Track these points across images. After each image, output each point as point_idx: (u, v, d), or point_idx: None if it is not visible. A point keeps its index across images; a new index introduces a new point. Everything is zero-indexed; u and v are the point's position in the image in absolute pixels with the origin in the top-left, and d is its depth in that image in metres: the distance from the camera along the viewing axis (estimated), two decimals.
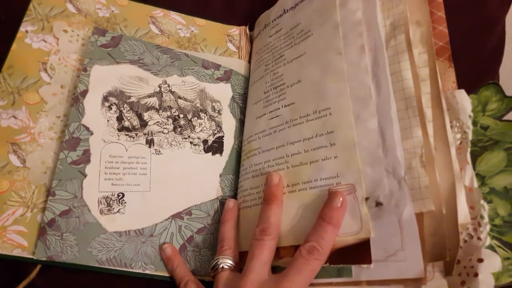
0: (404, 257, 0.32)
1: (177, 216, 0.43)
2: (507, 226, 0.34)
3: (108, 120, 0.43)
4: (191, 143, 0.46)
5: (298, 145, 0.39)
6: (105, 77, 0.44)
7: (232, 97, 0.50)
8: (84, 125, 0.41)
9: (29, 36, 0.44)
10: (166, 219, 0.42)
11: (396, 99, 0.35)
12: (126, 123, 0.43)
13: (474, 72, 0.51)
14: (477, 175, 0.36)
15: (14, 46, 0.43)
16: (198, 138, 0.46)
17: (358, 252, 0.32)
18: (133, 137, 0.43)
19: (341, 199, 0.33)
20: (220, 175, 0.46)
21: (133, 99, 0.44)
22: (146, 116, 0.44)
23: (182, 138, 0.45)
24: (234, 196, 0.45)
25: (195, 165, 0.45)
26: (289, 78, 0.43)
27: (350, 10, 0.40)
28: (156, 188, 0.43)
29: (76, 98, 0.42)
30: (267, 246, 0.36)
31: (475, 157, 0.36)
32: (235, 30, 0.54)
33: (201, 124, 0.47)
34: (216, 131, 0.47)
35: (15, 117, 0.41)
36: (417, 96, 0.35)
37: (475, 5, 0.53)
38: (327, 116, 0.38)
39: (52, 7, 0.46)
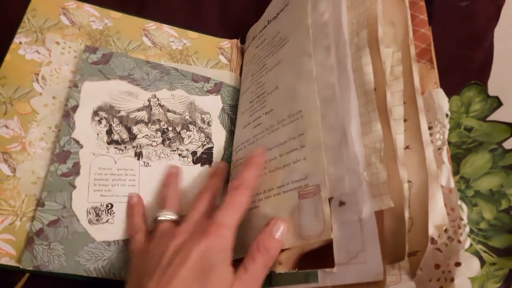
0: (365, 258, 0.30)
1: None
2: (493, 230, 0.32)
3: (98, 134, 0.44)
4: (179, 155, 0.46)
5: (274, 151, 0.39)
6: (95, 93, 0.45)
7: (222, 108, 0.50)
8: (74, 139, 0.42)
9: (22, 47, 0.45)
10: None
11: (358, 95, 0.34)
12: (116, 137, 0.44)
13: (463, 85, 0.52)
14: (462, 178, 0.35)
15: (7, 57, 0.44)
16: (187, 150, 0.47)
17: (323, 255, 0.31)
18: (122, 150, 0.44)
19: (259, 149, 0.40)
20: None
21: (122, 113, 0.45)
22: (135, 129, 0.45)
23: (171, 151, 0.46)
24: None
25: (183, 176, 0.45)
26: (269, 85, 0.43)
27: (319, 13, 0.40)
28: (145, 199, 0.43)
29: (67, 113, 0.43)
30: (206, 197, 0.40)
31: (459, 159, 0.35)
32: (227, 43, 0.54)
33: (190, 136, 0.47)
34: (205, 143, 0.47)
35: (6, 127, 0.41)
36: (381, 92, 0.33)
37: (464, 20, 0.53)
38: (299, 119, 0.38)
39: (46, 19, 0.47)
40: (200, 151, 0.47)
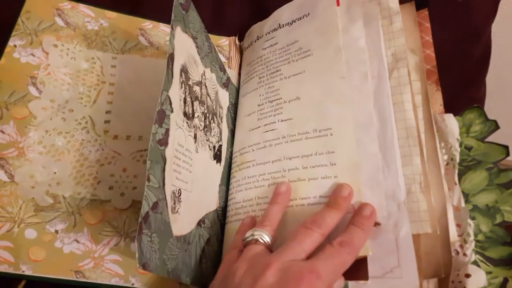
0: (401, 274, 0.33)
1: (199, 224, 0.39)
2: (489, 242, 0.36)
3: (179, 100, 0.35)
4: (208, 146, 0.42)
5: (296, 161, 0.40)
6: (181, 46, 0.37)
7: (229, 105, 0.49)
8: (169, 98, 0.34)
9: (17, 51, 0.43)
10: (195, 226, 0.38)
11: (398, 127, 0.37)
12: (187, 109, 0.37)
13: (462, 81, 0.52)
14: (462, 192, 0.38)
15: (2, 61, 0.42)
16: (211, 142, 0.43)
17: (356, 268, 0.33)
18: (189, 127, 0.37)
19: (371, 209, 0.35)
20: (219, 185, 0.44)
21: (190, 82, 0.38)
22: (195, 105, 0.39)
23: (206, 140, 0.41)
24: (225, 207, 0.45)
25: (209, 171, 0.42)
26: (287, 93, 0.44)
27: (353, 37, 0.42)
28: (194, 189, 0.38)
29: (170, 59, 0.35)
30: (313, 237, 0.33)
31: (459, 175, 0.39)
32: (224, 41, 0.54)
33: (213, 129, 0.43)
34: (219, 139, 0.45)
35: (2, 132, 0.40)
36: (416, 126, 0.37)
37: (461, 16, 0.54)
38: (327, 136, 0.39)
39: (41, 21, 0.45)
40: (217, 146, 0.44)
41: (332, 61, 0.42)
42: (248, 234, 0.35)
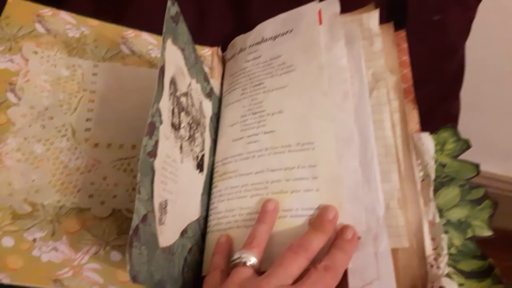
0: (380, 286, 0.34)
1: (182, 234, 0.39)
2: (461, 255, 0.38)
3: (168, 111, 0.36)
4: (192, 156, 0.42)
5: (279, 173, 0.41)
6: (171, 59, 0.37)
7: (211, 116, 0.49)
8: (159, 110, 0.34)
9: None
10: (179, 236, 0.38)
11: (377, 145, 0.39)
12: (174, 120, 0.38)
13: (438, 95, 0.54)
14: (436, 207, 0.40)
15: None
16: (195, 152, 0.43)
17: None
18: (176, 138, 0.37)
19: (352, 232, 0.36)
20: (201, 194, 0.44)
21: (178, 93, 0.39)
22: (181, 116, 0.39)
23: (190, 150, 0.42)
24: (207, 217, 0.45)
25: (192, 181, 0.42)
26: (270, 106, 0.45)
27: (336, 55, 0.44)
28: (179, 200, 0.38)
29: (161, 71, 0.35)
30: (299, 262, 0.34)
31: (434, 191, 0.40)
32: (207, 51, 0.54)
33: (197, 139, 0.44)
34: (202, 148, 0.46)
35: None
36: (394, 144, 0.39)
37: (437, 33, 0.56)
38: (310, 150, 0.40)
39: (21, 27, 0.45)
40: (200, 156, 0.44)
41: (315, 77, 0.43)
42: (236, 256, 0.35)
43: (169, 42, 0.38)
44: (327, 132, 0.40)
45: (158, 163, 0.34)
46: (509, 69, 0.84)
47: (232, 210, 0.42)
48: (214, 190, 0.45)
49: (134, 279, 0.29)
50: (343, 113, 0.41)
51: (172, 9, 0.39)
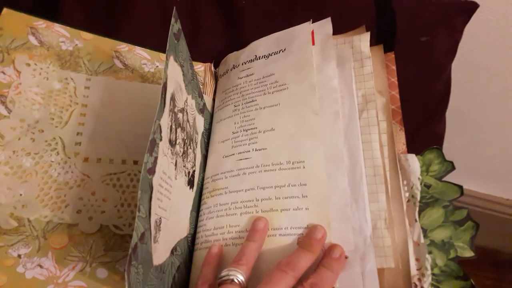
0: None
1: (172, 251, 0.39)
2: (444, 275, 0.39)
3: (167, 128, 0.36)
4: (184, 172, 0.42)
5: (269, 191, 0.41)
6: (172, 75, 0.37)
7: (202, 132, 0.49)
8: (160, 127, 0.34)
9: None
10: (169, 254, 0.38)
11: (366, 165, 0.40)
12: (171, 136, 0.37)
13: (423, 115, 0.55)
14: (421, 228, 0.40)
15: None
16: (187, 168, 0.43)
17: None
18: (172, 154, 0.37)
19: (340, 251, 0.36)
20: (190, 211, 0.44)
21: (176, 109, 0.39)
22: (178, 132, 0.39)
23: (183, 166, 0.41)
24: (195, 234, 0.45)
25: (183, 197, 0.42)
26: (262, 124, 0.45)
27: (328, 76, 0.44)
28: (171, 217, 0.38)
29: (163, 88, 0.35)
30: (287, 280, 0.34)
31: (419, 211, 0.41)
32: (200, 67, 0.55)
33: (189, 154, 0.43)
34: (194, 164, 0.45)
35: None
36: (383, 165, 0.40)
37: (423, 54, 0.57)
38: (300, 169, 0.41)
39: (14, 39, 0.45)
40: (191, 172, 0.44)
41: (306, 97, 0.44)
42: (223, 273, 0.35)
43: (171, 59, 0.38)
44: (318, 151, 0.41)
45: (155, 180, 0.34)
46: (491, 90, 0.86)
47: (221, 227, 0.41)
48: (203, 207, 0.45)
49: None
50: (333, 133, 0.42)
51: (175, 26, 0.39)
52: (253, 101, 0.47)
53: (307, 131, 0.42)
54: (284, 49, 0.48)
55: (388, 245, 0.36)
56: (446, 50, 0.59)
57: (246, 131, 0.46)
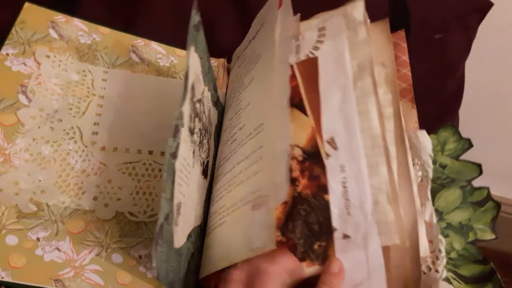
0: (370, 286, 0.33)
1: (188, 237, 0.39)
2: (461, 259, 0.36)
3: (188, 116, 0.37)
4: (199, 162, 0.42)
5: (242, 165, 0.40)
6: (192, 65, 0.39)
7: (216, 124, 0.50)
8: (181, 112, 0.35)
9: (9, 59, 0.44)
10: (186, 239, 0.38)
11: (363, 137, 0.37)
12: (191, 124, 0.38)
13: (436, 113, 0.55)
14: (436, 210, 0.38)
15: None
16: (202, 158, 0.43)
17: None
18: (191, 142, 0.38)
19: (339, 265, 0.34)
20: (204, 200, 0.44)
21: (194, 99, 0.40)
22: (196, 122, 0.40)
23: (199, 155, 0.42)
24: (205, 223, 0.45)
25: (198, 186, 0.42)
26: (244, 102, 0.45)
27: (287, 27, 0.41)
28: (188, 203, 0.38)
29: (186, 76, 0.36)
30: None
31: (434, 193, 0.39)
32: (214, 62, 0.56)
33: (204, 145, 0.44)
34: (208, 155, 0.45)
35: None
36: (382, 135, 0.36)
37: (437, 52, 0.57)
38: (260, 132, 0.39)
39: (34, 32, 0.47)
40: (205, 162, 0.44)
41: (270, 58, 0.41)
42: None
43: (192, 49, 0.39)
44: (273, 108, 0.38)
45: (177, 164, 0.35)
46: (505, 90, 0.85)
47: (215, 212, 0.42)
48: (212, 196, 0.45)
49: (158, 276, 0.30)
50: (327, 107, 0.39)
51: (196, 17, 0.40)
52: (242, 83, 0.47)
53: (267, 91, 0.40)
54: (264, 23, 0.47)
55: (391, 221, 0.34)
56: (460, 48, 0.59)
57: (236, 113, 0.45)
